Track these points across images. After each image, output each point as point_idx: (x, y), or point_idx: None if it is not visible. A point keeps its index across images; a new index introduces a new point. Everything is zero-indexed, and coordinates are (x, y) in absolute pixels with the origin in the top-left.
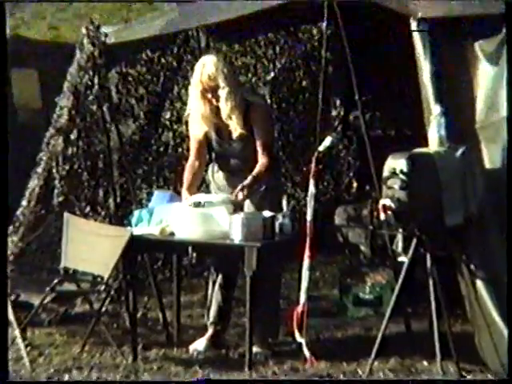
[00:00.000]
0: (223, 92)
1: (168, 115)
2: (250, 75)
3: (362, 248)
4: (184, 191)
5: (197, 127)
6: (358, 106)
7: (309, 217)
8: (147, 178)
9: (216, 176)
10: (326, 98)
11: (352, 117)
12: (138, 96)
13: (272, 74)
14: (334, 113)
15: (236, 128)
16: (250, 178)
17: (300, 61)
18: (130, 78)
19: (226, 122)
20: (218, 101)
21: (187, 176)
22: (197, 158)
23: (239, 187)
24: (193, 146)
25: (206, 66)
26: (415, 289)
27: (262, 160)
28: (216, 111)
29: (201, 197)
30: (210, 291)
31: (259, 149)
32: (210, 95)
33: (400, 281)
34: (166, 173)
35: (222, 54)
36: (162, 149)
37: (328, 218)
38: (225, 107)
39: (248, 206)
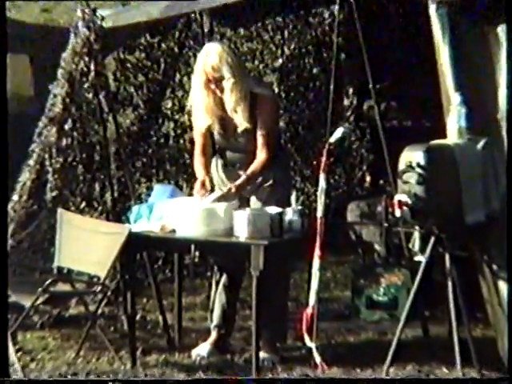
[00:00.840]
0: (228, 83)
1: (169, 104)
2: (256, 62)
3: (376, 247)
4: (198, 188)
5: (200, 119)
6: (371, 95)
7: (319, 213)
8: (147, 171)
9: (220, 170)
10: (337, 86)
11: (366, 106)
12: (137, 84)
13: (280, 61)
14: (346, 102)
15: (241, 122)
16: (242, 177)
17: (310, 47)
18: (129, 65)
19: (231, 116)
20: (222, 92)
21: (199, 172)
22: (202, 151)
23: (228, 187)
24: (197, 138)
25: (210, 56)
26: (433, 291)
27: (259, 156)
28: (220, 103)
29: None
30: (213, 292)
31: (259, 143)
32: (213, 86)
33: (417, 282)
34: (166, 166)
35: (226, 39)
36: (162, 140)
37: (340, 214)
38: (229, 100)
39: (254, 201)
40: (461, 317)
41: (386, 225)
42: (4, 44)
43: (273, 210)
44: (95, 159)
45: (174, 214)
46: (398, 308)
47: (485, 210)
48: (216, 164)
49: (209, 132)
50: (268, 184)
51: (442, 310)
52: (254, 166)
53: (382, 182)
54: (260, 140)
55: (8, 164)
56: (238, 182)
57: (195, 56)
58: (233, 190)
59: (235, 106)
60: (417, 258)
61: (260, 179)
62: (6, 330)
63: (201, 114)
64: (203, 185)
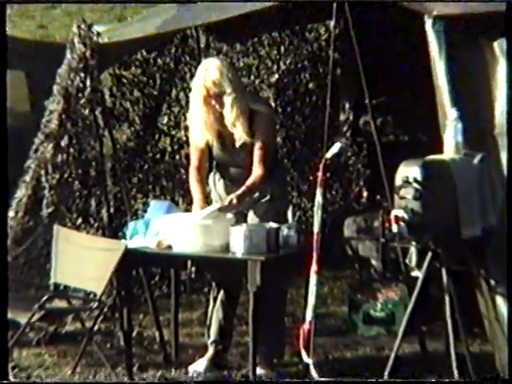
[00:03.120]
0: (228, 98)
1: (165, 120)
2: (252, 77)
3: (373, 262)
4: (197, 205)
5: (199, 135)
6: (368, 110)
7: (316, 228)
8: (143, 186)
9: (217, 185)
10: (334, 101)
11: (362, 121)
12: (133, 99)
13: (276, 76)
14: (342, 117)
15: (241, 136)
16: (242, 188)
17: (306, 62)
18: (125, 80)
19: (231, 130)
20: (221, 107)
21: (197, 188)
22: (198, 167)
23: (229, 197)
24: (194, 154)
25: (210, 71)
26: (430, 306)
27: (256, 171)
28: (219, 118)
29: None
30: (210, 308)
31: (256, 158)
32: (213, 101)
33: (414, 297)
34: (163, 181)
35: (222, 54)
36: (158, 156)
37: (336, 229)
38: (230, 114)
39: (252, 217)
40: (458, 332)
41: (382, 240)
42: (4, 46)
43: (269, 225)
44: (91, 175)
45: (171, 229)
46: (395, 323)
47: (482, 224)
48: (214, 179)
49: (207, 147)
50: (265, 199)
51: (440, 325)
52: (251, 180)
53: (378, 197)
54: (256, 155)
55: (7, 173)
56: (239, 192)
57: (191, 71)
58: (234, 200)
59: (235, 120)
60: (414, 274)
61: (257, 194)
62: (6, 333)
63: (200, 129)
64: (202, 203)
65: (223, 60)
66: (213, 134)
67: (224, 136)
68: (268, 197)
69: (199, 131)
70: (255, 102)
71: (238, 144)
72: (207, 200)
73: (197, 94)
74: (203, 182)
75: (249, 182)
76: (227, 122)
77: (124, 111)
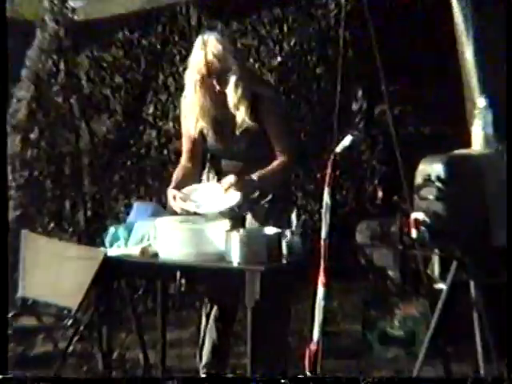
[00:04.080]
0: (233, 76)
1: (151, 109)
2: (251, 60)
3: (390, 272)
4: (170, 189)
5: (192, 123)
6: (384, 98)
7: (324, 234)
8: (125, 186)
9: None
10: (345, 88)
11: (377, 111)
12: (114, 85)
13: (279, 59)
14: (355, 106)
15: (244, 120)
16: (267, 168)
17: (313, 42)
18: (104, 64)
19: (233, 113)
20: (224, 86)
21: (177, 175)
22: (190, 160)
23: (235, 178)
24: (186, 145)
25: (210, 45)
26: (456, 323)
27: (280, 159)
28: (219, 101)
29: (198, 190)
30: (202, 326)
31: (277, 148)
32: (214, 81)
33: (437, 313)
34: (148, 180)
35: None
36: (143, 151)
37: (348, 235)
38: (233, 95)
39: (250, 221)
40: (489, 354)
41: (400, 247)
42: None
43: (270, 230)
44: (65, 173)
45: (157, 235)
46: (415, 343)
47: None
48: (207, 178)
49: (201, 137)
50: (266, 200)
51: (467, 345)
52: (276, 165)
53: (395, 198)
54: (277, 144)
55: (6, 165)
56: (261, 172)
57: (181, 53)
58: (254, 177)
59: (239, 102)
60: (437, 286)
61: (256, 194)
62: (6, 330)
63: (195, 115)
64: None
65: (223, 35)
66: (209, 120)
67: (223, 123)
68: (269, 197)
69: (193, 118)
70: (260, 84)
71: (238, 131)
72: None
73: (194, 73)
74: (188, 176)
75: (271, 166)
76: (230, 103)
77: (103, 99)
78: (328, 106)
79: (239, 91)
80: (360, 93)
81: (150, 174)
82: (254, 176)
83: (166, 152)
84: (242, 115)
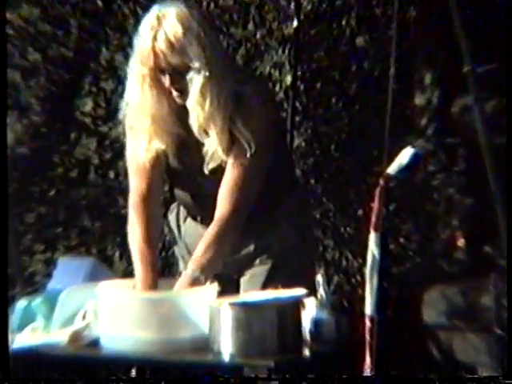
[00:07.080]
0: (198, 77)
1: (87, 106)
2: (251, 27)
3: (483, 373)
4: (141, 277)
5: (143, 143)
6: (469, 87)
7: (369, 308)
8: (44, 231)
9: (184, 228)
10: (402, 70)
11: (457, 107)
12: (29, 67)
13: (295, 23)
14: (419, 100)
15: (215, 151)
16: (199, 247)
17: None
18: (12, 32)
19: (199, 138)
20: (183, 94)
21: (142, 241)
22: (146, 197)
23: (185, 272)
24: (136, 177)
25: (165, 24)
26: None
27: (219, 211)
28: (180, 112)
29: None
30: None
31: (223, 186)
32: (168, 82)
33: None
34: (83, 220)
35: None
36: (75, 173)
37: (409, 308)
38: (197, 109)
39: (247, 284)
40: None
41: (501, 333)
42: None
43: (282, 300)
44: None
45: (98, 310)
46: None
47: None
48: (177, 218)
49: (160, 165)
50: (268, 255)
51: None
52: (212, 229)
53: (487, 248)
54: (227, 179)
55: (7, 166)
56: (197, 254)
57: (128, 24)
58: (196, 273)
59: (206, 122)
60: None
61: (252, 248)
62: (6, 330)
63: (145, 132)
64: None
65: (190, 8)
66: (168, 140)
67: (189, 146)
68: (277, 248)
69: (143, 135)
70: (245, 83)
71: (207, 168)
72: (156, 255)
73: (139, 66)
74: (155, 226)
75: (208, 233)
76: (193, 123)
77: (14, 90)
78: (374, 99)
79: (207, 105)
80: (428, 79)
81: (88, 209)
82: (195, 270)
83: (112, 174)
84: (213, 143)
